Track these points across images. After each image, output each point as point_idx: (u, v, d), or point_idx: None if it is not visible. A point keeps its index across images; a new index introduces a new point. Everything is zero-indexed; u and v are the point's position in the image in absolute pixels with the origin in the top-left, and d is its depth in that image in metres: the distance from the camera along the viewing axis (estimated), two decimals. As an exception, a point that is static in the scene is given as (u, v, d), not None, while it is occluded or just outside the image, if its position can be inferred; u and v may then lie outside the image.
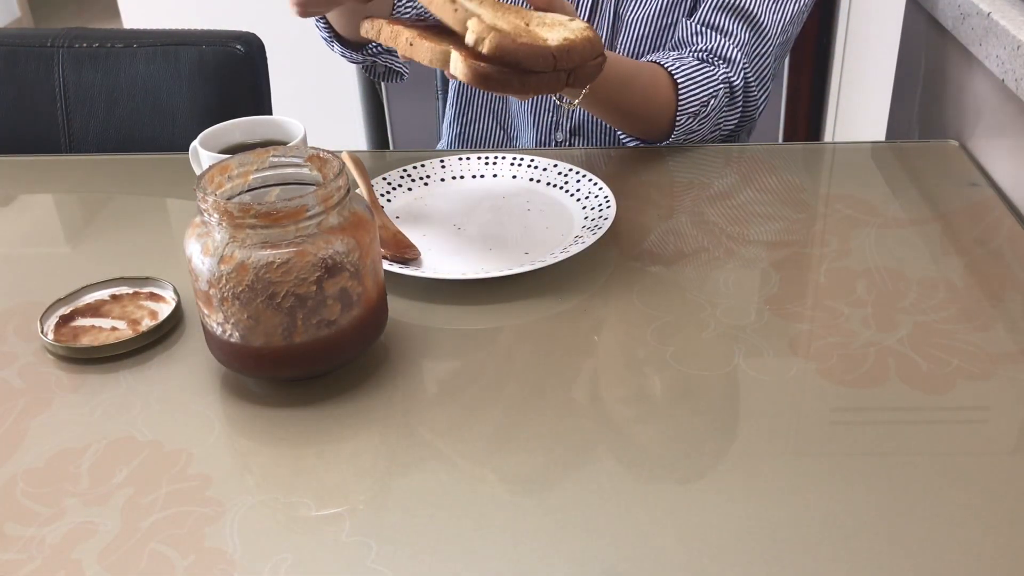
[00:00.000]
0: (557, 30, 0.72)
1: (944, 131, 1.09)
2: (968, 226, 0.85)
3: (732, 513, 0.56)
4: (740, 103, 1.01)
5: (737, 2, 1.00)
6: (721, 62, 0.99)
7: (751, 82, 1.00)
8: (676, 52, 1.01)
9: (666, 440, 0.62)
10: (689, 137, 0.99)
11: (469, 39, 0.68)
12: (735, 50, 0.99)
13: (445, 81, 1.24)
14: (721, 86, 0.97)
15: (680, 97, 0.95)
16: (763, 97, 1.04)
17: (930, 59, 1.15)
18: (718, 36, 1.00)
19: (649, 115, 0.96)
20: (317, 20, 1.02)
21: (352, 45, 1.01)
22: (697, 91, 0.96)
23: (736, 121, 1.02)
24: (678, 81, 0.95)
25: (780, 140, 1.42)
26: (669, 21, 1.04)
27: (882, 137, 1.32)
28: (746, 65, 1.00)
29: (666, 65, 0.96)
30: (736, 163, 0.99)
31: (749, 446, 0.61)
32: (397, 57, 1.03)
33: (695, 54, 0.99)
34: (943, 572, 0.52)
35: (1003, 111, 0.95)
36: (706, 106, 0.96)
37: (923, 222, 0.86)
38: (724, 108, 1.00)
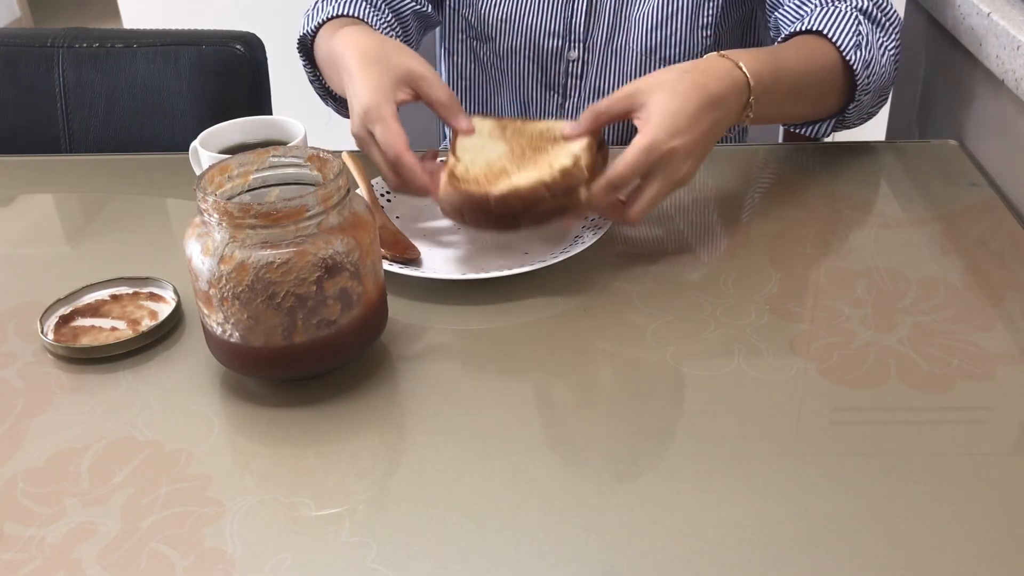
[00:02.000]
0: (532, 171, 0.76)
1: (944, 131, 1.09)
2: (968, 226, 0.85)
3: (732, 513, 0.56)
4: (884, 22, 0.94)
5: None
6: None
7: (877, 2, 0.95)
8: (792, 13, 0.96)
9: (666, 440, 0.62)
10: (875, 72, 0.91)
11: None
12: None
13: None
14: (855, 12, 0.92)
15: (835, 40, 0.89)
16: (894, 14, 0.96)
17: (930, 59, 1.15)
18: None
19: (823, 83, 0.90)
20: (312, 80, 1.03)
21: (346, 104, 1.02)
22: (843, 23, 0.90)
23: (896, 44, 0.95)
24: (821, 31, 0.90)
25: (780, 140, 1.42)
26: (672, 11, 1.03)
27: (882, 137, 1.32)
28: None
29: (799, 29, 0.92)
30: (736, 163, 0.99)
31: (749, 446, 0.61)
32: None
33: (811, 4, 0.95)
34: (943, 572, 0.52)
35: (1003, 111, 0.95)
36: (860, 34, 0.90)
37: (923, 222, 0.86)
38: (877, 32, 0.93)
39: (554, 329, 0.73)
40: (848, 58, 0.89)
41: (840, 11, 0.91)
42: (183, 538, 0.56)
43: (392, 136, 0.78)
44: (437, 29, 1.22)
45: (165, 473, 0.61)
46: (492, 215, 0.76)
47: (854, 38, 0.90)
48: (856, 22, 0.91)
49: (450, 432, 0.63)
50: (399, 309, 0.76)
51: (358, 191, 0.85)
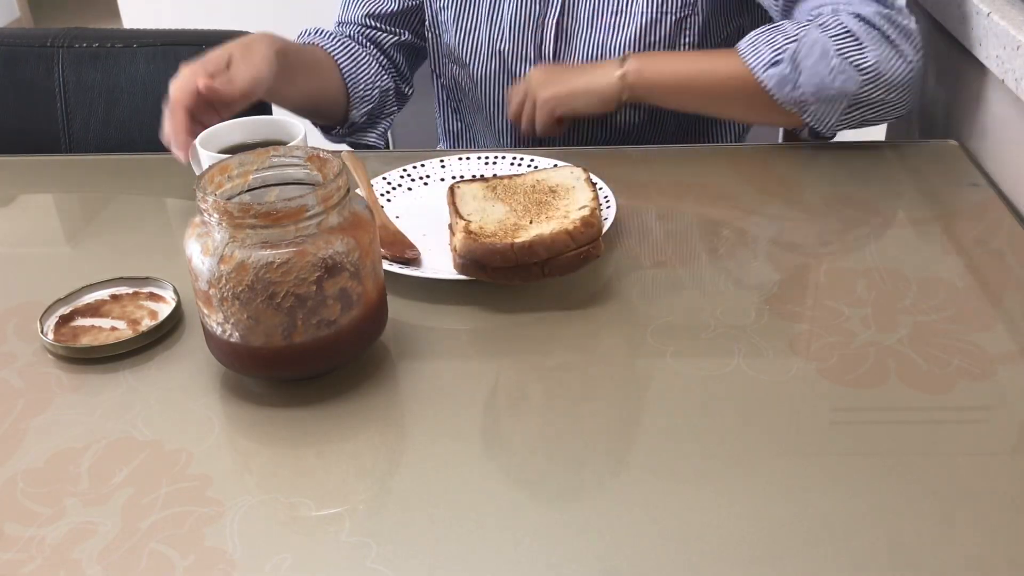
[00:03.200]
0: (547, 224, 0.76)
1: (944, 131, 1.09)
2: (968, 226, 0.85)
3: (732, 513, 0.56)
4: (876, 30, 0.88)
5: None
6: (809, 21, 0.91)
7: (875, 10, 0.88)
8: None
9: (666, 440, 0.62)
10: (804, 87, 0.89)
11: (453, 241, 0.78)
12: (818, 7, 0.91)
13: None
14: (803, 29, 0.89)
15: (746, 59, 0.91)
16: (907, 25, 0.89)
17: (930, 59, 1.15)
18: (795, 12, 0.95)
19: (724, 80, 0.93)
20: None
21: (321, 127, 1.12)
22: (761, 46, 0.91)
23: (877, 53, 0.88)
24: (738, 48, 0.92)
25: (780, 140, 1.42)
26: (648, 42, 1.01)
27: (882, 137, 1.32)
28: (843, 6, 0.89)
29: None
30: (736, 163, 0.99)
31: (749, 446, 0.61)
32: (367, 135, 1.13)
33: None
34: (942, 572, 0.52)
35: (1003, 111, 0.95)
36: (783, 52, 0.89)
37: (923, 222, 0.86)
38: (845, 40, 0.87)
39: (554, 329, 0.73)
40: (755, 73, 0.92)
41: (779, 28, 0.91)
42: (183, 538, 0.56)
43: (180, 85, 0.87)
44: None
45: (165, 473, 0.61)
46: (516, 265, 0.75)
47: (770, 54, 0.90)
48: (791, 39, 0.89)
49: (450, 432, 0.63)
50: (399, 309, 0.76)
51: (358, 191, 0.85)
